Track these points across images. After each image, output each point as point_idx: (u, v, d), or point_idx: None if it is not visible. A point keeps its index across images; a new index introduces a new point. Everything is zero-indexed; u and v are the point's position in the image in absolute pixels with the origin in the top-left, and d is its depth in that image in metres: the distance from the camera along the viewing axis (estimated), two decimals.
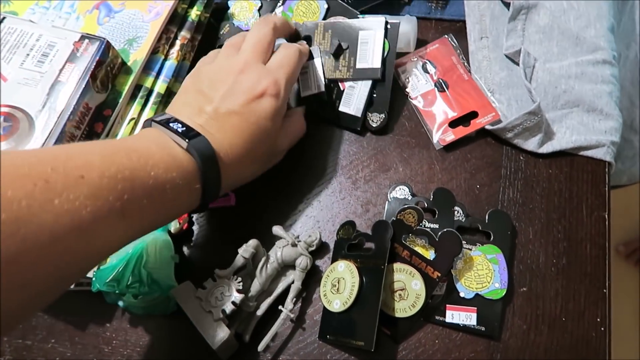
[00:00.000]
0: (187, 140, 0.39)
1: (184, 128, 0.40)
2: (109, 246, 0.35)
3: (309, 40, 0.54)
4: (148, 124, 0.42)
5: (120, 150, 0.36)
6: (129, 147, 0.37)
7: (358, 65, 0.52)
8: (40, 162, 0.31)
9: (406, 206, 0.46)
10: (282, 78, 0.45)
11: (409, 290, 0.44)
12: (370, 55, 0.51)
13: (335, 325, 0.44)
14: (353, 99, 0.51)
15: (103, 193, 0.32)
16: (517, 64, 0.52)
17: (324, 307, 0.45)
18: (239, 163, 0.43)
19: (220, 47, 0.49)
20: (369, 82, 0.51)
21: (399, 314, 0.43)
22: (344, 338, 0.43)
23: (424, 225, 0.47)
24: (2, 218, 0.27)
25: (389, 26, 0.52)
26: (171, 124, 0.40)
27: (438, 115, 0.52)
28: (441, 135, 0.51)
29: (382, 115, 0.51)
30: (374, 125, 0.51)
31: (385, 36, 0.52)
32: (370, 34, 0.52)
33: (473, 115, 0.51)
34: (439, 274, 0.43)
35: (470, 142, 0.51)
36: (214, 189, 0.42)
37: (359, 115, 0.51)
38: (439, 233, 0.44)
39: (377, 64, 0.51)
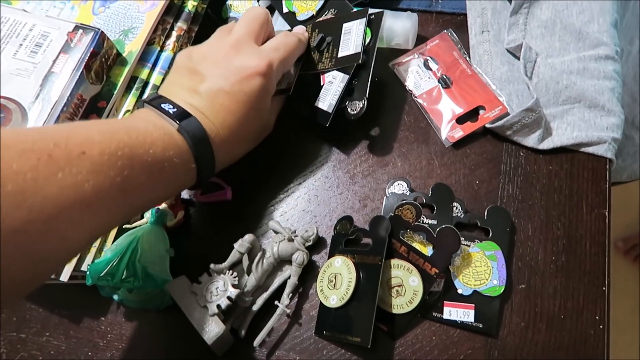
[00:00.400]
0: (177, 122, 0.40)
1: (175, 109, 0.40)
2: (110, 220, 0.36)
3: None
4: (141, 104, 0.43)
5: (119, 129, 0.37)
6: (128, 126, 0.38)
7: (340, 54, 0.50)
8: (43, 138, 0.32)
9: (404, 202, 0.45)
10: (275, 60, 0.45)
11: (406, 287, 0.43)
12: (352, 43, 0.50)
13: (331, 321, 0.44)
14: (329, 95, 0.50)
15: (104, 169, 0.33)
16: (519, 59, 0.51)
17: (321, 303, 0.45)
18: (231, 142, 0.43)
19: None
20: (346, 76, 0.49)
21: (396, 310, 0.43)
22: (340, 334, 0.43)
23: (422, 221, 0.46)
24: (9, 189, 0.28)
25: (372, 17, 0.51)
26: (162, 105, 0.41)
27: (445, 112, 0.51)
28: (449, 133, 0.50)
29: (361, 103, 0.48)
30: (353, 113, 0.48)
31: (369, 26, 0.50)
32: (353, 24, 0.51)
33: (477, 110, 0.50)
34: (437, 271, 0.43)
35: (470, 138, 0.50)
36: (208, 168, 0.42)
37: (330, 110, 0.49)
38: (437, 229, 0.44)
39: (358, 49, 0.49)
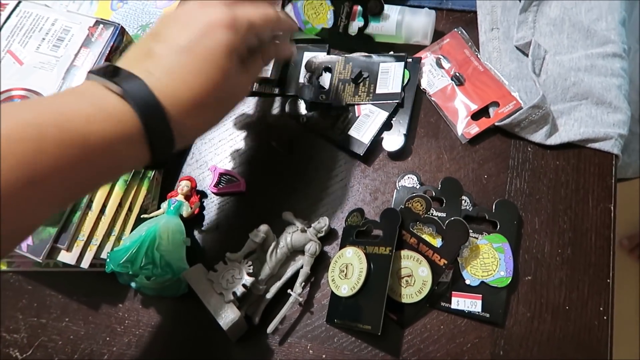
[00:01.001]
0: (118, 84, 0.33)
1: (118, 73, 0.35)
2: (25, 219, 0.31)
3: (329, 70, 0.55)
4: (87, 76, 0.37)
5: (46, 109, 0.32)
6: (58, 105, 0.32)
7: (378, 91, 0.53)
8: None
9: (414, 194, 0.47)
10: (244, 17, 0.38)
11: (415, 277, 0.45)
12: (390, 82, 0.53)
13: (342, 310, 0.45)
14: (365, 126, 0.52)
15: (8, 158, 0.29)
16: (527, 56, 0.52)
17: (332, 292, 0.46)
18: (194, 108, 0.36)
19: None
20: (386, 113, 0.52)
21: (405, 299, 0.44)
22: (351, 322, 0.44)
23: (432, 213, 0.48)
24: None
25: (409, 60, 0.54)
26: (104, 72, 0.35)
27: (460, 109, 0.52)
28: (465, 129, 0.51)
29: (401, 138, 0.51)
30: (392, 148, 0.51)
31: (406, 67, 0.53)
32: (391, 65, 0.53)
33: (488, 106, 0.51)
34: (446, 262, 0.44)
35: (479, 133, 0.51)
36: (164, 142, 0.36)
37: (366, 142, 0.51)
38: (446, 221, 0.45)
39: (397, 89, 0.52)
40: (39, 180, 0.30)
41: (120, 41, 0.49)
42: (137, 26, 0.53)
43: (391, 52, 0.55)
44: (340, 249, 0.48)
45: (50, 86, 0.47)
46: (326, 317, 0.46)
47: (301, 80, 0.55)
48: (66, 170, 0.31)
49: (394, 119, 0.52)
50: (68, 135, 0.31)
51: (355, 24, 0.55)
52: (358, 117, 0.52)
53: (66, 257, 0.46)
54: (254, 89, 0.56)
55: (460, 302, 0.45)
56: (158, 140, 0.35)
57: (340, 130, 0.53)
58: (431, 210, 0.48)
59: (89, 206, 0.48)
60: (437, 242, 0.46)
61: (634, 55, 0.63)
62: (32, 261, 0.47)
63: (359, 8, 0.54)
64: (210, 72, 0.37)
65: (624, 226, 1.41)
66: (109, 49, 0.48)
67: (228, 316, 0.43)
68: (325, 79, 0.55)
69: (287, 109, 0.56)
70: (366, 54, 0.55)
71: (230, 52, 0.38)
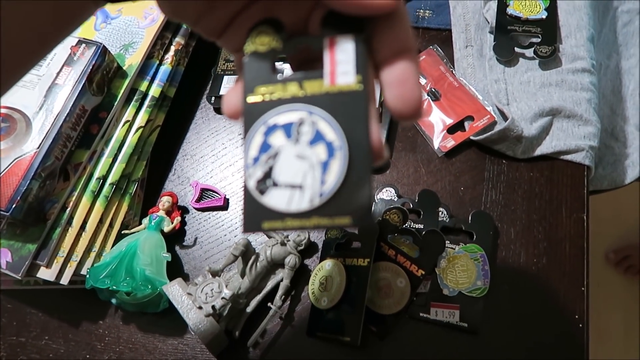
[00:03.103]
0: None
1: None
2: None
3: None
4: None
5: None
6: None
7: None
8: None
9: (392, 206, 0.48)
10: None
11: (394, 288, 0.45)
12: None
13: (323, 323, 0.45)
14: None
15: None
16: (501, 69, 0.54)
17: (312, 305, 0.46)
18: None
19: (219, 51, 0.50)
20: None
21: (384, 310, 0.45)
22: (331, 334, 0.44)
23: (410, 225, 0.48)
24: None
25: None
26: None
27: (436, 123, 0.53)
28: (441, 142, 0.52)
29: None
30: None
31: None
32: None
33: (463, 120, 0.53)
34: (423, 272, 0.45)
35: (456, 147, 0.53)
36: None
37: None
38: (423, 232, 0.46)
39: (375, 105, 0.53)
40: None
41: (103, 60, 0.50)
42: (119, 45, 0.54)
43: None
44: (320, 261, 0.49)
45: (32, 104, 0.48)
46: (307, 330, 0.47)
47: None
48: None
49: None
50: None
51: None
52: None
53: (46, 273, 0.46)
54: None
55: (439, 313, 0.45)
56: None
57: None
58: (409, 222, 0.48)
59: (69, 222, 0.48)
60: (415, 253, 0.47)
61: (605, 71, 0.65)
62: (12, 279, 0.47)
63: None
64: None
65: (609, 240, 1.43)
66: (90, 67, 0.49)
67: (207, 330, 0.43)
68: None
69: None
70: None
71: None
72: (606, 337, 1.29)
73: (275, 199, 0.23)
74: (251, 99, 0.24)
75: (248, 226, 0.23)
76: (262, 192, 0.23)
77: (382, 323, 0.45)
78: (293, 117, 0.23)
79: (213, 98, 0.58)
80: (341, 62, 0.23)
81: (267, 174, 0.23)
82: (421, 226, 0.48)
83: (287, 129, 0.23)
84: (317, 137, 0.23)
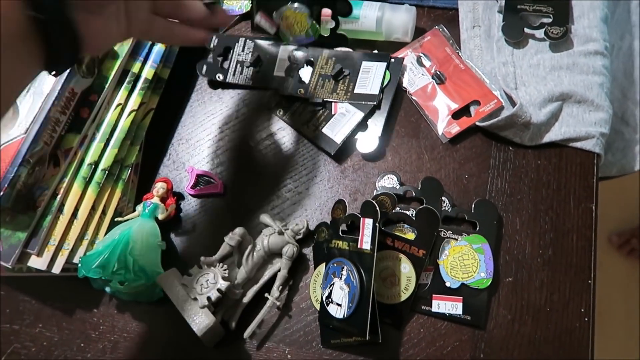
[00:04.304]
0: None
1: None
2: None
3: (311, 65, 0.54)
4: None
5: None
6: None
7: (356, 90, 0.52)
8: None
9: (380, 193, 0.46)
10: None
11: (398, 275, 0.44)
12: (370, 82, 0.51)
13: (335, 329, 0.44)
14: (339, 125, 0.51)
15: None
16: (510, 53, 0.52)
17: (320, 313, 0.44)
18: None
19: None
20: (360, 113, 0.51)
21: (394, 300, 0.44)
22: (346, 338, 0.43)
23: (412, 214, 0.47)
24: None
25: (392, 60, 0.52)
26: None
27: (440, 108, 0.51)
28: (446, 128, 0.50)
29: (375, 140, 0.50)
30: (366, 150, 0.50)
31: (388, 68, 0.52)
32: (373, 65, 0.52)
33: (469, 105, 0.50)
34: (424, 252, 0.44)
35: (460, 133, 0.51)
36: (61, 32, 0.30)
37: (338, 141, 0.50)
38: (415, 211, 0.45)
39: (376, 90, 0.51)
40: None
41: None
42: None
43: (375, 51, 0.54)
44: (315, 266, 0.47)
45: None
46: (321, 341, 0.45)
47: (279, 73, 0.54)
48: None
49: (370, 119, 0.51)
50: None
51: (327, 26, 0.54)
52: (334, 115, 0.51)
53: (37, 262, 0.45)
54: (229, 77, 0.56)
55: (441, 305, 0.44)
56: (54, 26, 0.29)
57: (314, 126, 0.51)
58: (411, 211, 0.47)
59: (60, 210, 0.46)
60: (413, 237, 0.46)
61: (617, 52, 0.63)
62: (3, 267, 0.46)
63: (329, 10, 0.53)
64: None
65: (613, 223, 1.42)
66: None
67: (202, 322, 0.42)
68: (306, 73, 0.54)
69: (265, 101, 0.55)
70: (350, 49, 0.54)
71: None
72: (607, 319, 1.28)
73: (331, 309, 0.43)
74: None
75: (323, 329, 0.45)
76: (327, 304, 0.43)
77: (394, 313, 0.44)
78: (340, 264, 0.43)
79: (204, 67, 0.56)
80: (366, 235, 0.43)
81: (330, 295, 0.43)
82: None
83: (337, 270, 0.43)
84: (347, 278, 0.42)
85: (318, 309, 0.45)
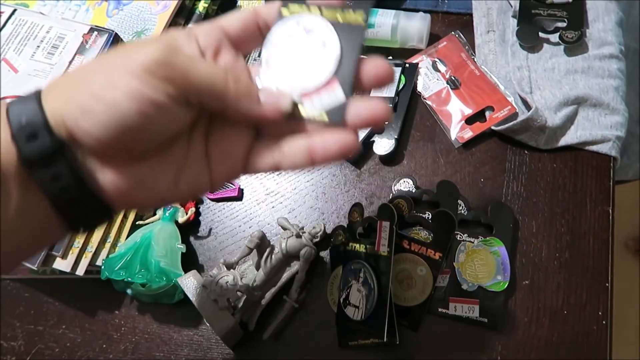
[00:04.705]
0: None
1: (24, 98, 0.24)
2: None
3: None
4: None
5: None
6: None
7: (372, 94, 0.52)
8: None
9: (395, 196, 0.47)
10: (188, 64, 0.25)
11: (415, 278, 0.44)
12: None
13: (353, 329, 0.44)
14: None
15: None
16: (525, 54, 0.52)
17: (337, 315, 0.45)
18: (108, 155, 0.24)
19: None
20: None
21: (410, 302, 0.44)
22: (363, 340, 0.44)
23: (428, 217, 0.47)
24: None
25: (407, 65, 0.53)
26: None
27: (454, 113, 0.52)
28: (459, 133, 0.51)
29: (392, 141, 0.51)
30: (383, 151, 0.50)
31: (403, 72, 0.53)
32: None
33: (484, 110, 0.51)
34: (441, 254, 0.44)
35: (476, 136, 0.51)
36: (72, 192, 0.24)
37: None
38: (431, 214, 0.45)
39: (391, 93, 0.52)
40: None
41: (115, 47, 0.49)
42: (132, 32, 0.53)
43: (390, 58, 0.55)
44: (332, 269, 0.48)
45: None
46: (338, 342, 0.45)
47: None
48: None
49: (386, 123, 0.52)
50: None
51: None
52: None
53: (61, 264, 0.46)
54: None
55: (458, 308, 0.45)
56: (61, 191, 0.23)
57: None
58: (427, 214, 0.47)
59: None
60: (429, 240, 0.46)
61: (633, 55, 0.63)
62: (28, 269, 0.47)
63: None
64: (119, 98, 0.24)
65: (630, 228, 1.40)
66: None
67: (223, 323, 0.43)
68: None
69: None
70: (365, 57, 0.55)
71: (147, 74, 0.24)
72: (623, 324, 1.27)
73: (348, 311, 0.44)
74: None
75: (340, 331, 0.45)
76: (344, 306, 0.44)
77: (410, 315, 0.44)
78: (357, 266, 0.45)
79: None
80: (383, 238, 0.44)
81: (347, 297, 0.44)
82: None
83: (355, 273, 0.44)
84: (365, 281, 0.44)
85: (335, 311, 0.45)
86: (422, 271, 0.45)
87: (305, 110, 0.26)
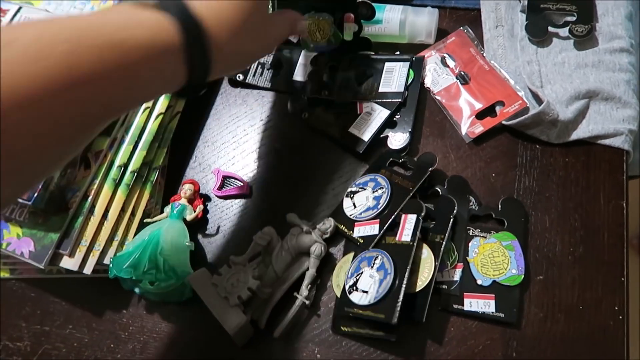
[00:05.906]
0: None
1: None
2: (60, 132, 0.29)
3: (334, 70, 0.55)
4: None
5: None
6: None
7: (381, 89, 0.52)
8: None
9: None
10: None
11: (418, 262, 0.44)
12: (394, 81, 0.52)
13: (350, 318, 0.44)
14: (365, 124, 0.51)
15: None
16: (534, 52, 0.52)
17: (337, 298, 0.45)
18: (230, 30, 0.36)
19: None
20: (386, 111, 0.51)
21: (413, 288, 0.43)
22: (363, 311, 0.43)
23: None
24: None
25: (414, 59, 0.53)
26: None
27: (464, 108, 0.51)
28: (469, 128, 0.50)
29: (406, 135, 0.50)
30: (398, 145, 0.50)
31: (411, 67, 0.53)
32: (396, 65, 0.53)
33: (494, 105, 0.50)
34: (442, 237, 0.44)
35: (487, 131, 0.50)
36: (201, 58, 0.34)
37: (366, 139, 0.50)
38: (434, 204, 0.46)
39: (401, 88, 0.52)
40: (75, 85, 0.28)
41: None
42: None
43: (397, 53, 0.54)
44: (344, 254, 0.47)
45: None
46: (331, 327, 0.45)
47: (298, 77, 0.55)
48: (103, 77, 0.29)
49: (398, 117, 0.51)
50: (104, 39, 0.30)
51: (351, 30, 0.54)
52: (359, 114, 0.52)
53: (69, 263, 0.46)
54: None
55: (473, 303, 0.44)
56: (196, 55, 0.34)
57: (340, 127, 0.52)
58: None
59: (91, 211, 0.47)
60: None
61: None
62: (35, 268, 0.46)
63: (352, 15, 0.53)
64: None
65: (634, 225, 1.40)
66: None
67: (233, 320, 0.42)
68: (329, 76, 0.54)
69: (289, 105, 0.55)
70: (372, 53, 0.55)
71: None
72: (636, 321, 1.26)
73: (354, 296, 0.43)
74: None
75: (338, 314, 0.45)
76: (349, 292, 0.43)
77: (414, 302, 0.43)
78: (373, 254, 0.44)
79: None
80: (407, 229, 0.44)
81: (355, 283, 0.44)
82: None
83: (369, 260, 0.44)
84: (381, 266, 0.43)
85: (338, 295, 0.45)
86: (424, 254, 0.44)
87: None
